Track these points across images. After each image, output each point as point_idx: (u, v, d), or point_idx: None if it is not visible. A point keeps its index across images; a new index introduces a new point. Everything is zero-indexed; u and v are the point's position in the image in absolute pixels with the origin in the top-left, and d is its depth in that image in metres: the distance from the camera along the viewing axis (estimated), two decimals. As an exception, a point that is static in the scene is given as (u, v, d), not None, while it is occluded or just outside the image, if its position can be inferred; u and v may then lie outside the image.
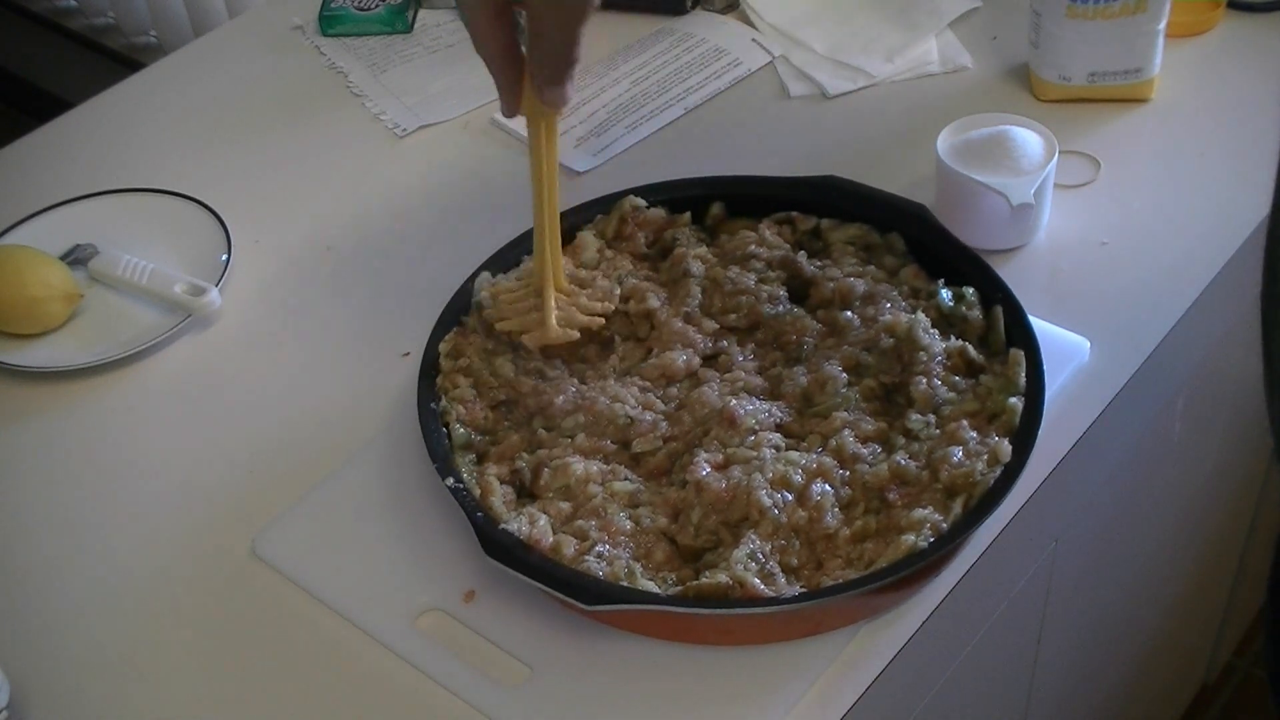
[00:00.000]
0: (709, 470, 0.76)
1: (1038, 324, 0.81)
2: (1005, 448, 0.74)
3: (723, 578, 0.70)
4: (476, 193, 1.06)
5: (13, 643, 0.78)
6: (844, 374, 0.81)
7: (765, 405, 0.80)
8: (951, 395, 0.79)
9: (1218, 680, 1.72)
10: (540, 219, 0.83)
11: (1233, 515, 1.40)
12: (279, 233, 1.04)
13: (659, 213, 0.92)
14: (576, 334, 0.83)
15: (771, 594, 0.70)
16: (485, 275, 0.88)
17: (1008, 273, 0.84)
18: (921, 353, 0.80)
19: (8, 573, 0.82)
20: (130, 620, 0.78)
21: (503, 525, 0.74)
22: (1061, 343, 0.85)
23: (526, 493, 0.78)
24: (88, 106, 1.20)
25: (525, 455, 0.79)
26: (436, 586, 0.77)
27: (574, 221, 0.91)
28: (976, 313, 0.83)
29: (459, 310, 0.86)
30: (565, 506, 0.76)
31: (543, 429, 0.80)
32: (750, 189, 0.93)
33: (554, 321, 0.83)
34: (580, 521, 0.75)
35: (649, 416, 0.80)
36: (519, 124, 1.10)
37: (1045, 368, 0.78)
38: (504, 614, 0.75)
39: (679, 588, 0.72)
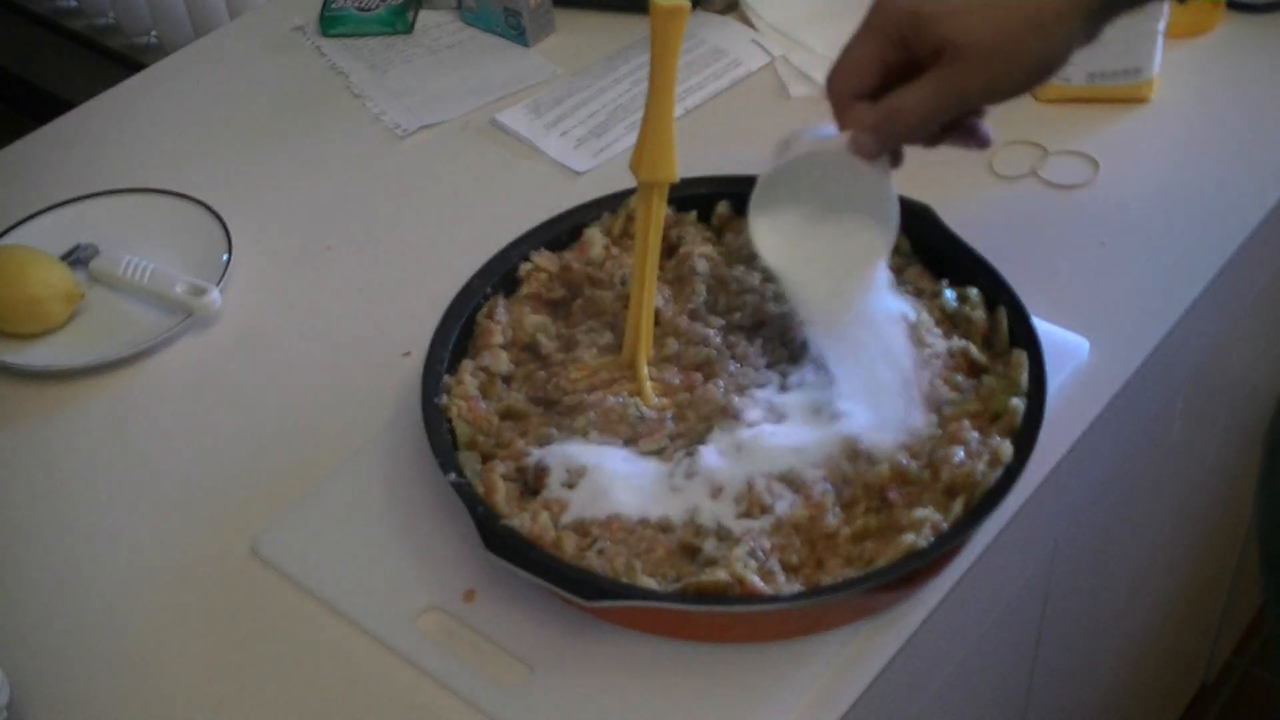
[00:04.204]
0: (711, 468, 0.76)
1: (1038, 324, 0.81)
2: (1006, 448, 0.74)
3: (722, 575, 0.70)
4: (476, 193, 1.06)
5: (13, 643, 0.78)
6: (847, 373, 0.81)
7: (769, 404, 0.80)
8: (954, 395, 0.79)
9: (1217, 680, 1.72)
10: (639, 290, 0.82)
11: (1232, 514, 1.40)
12: (279, 233, 1.04)
13: (665, 211, 0.92)
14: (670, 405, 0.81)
15: (771, 592, 0.70)
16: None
17: (1006, 273, 0.84)
18: (924, 352, 0.80)
19: (7, 573, 0.82)
20: (130, 620, 0.78)
21: (504, 521, 0.74)
22: (1061, 343, 0.85)
23: (531, 490, 0.78)
24: (88, 106, 1.20)
25: (533, 450, 0.79)
26: (437, 586, 0.77)
27: (580, 219, 0.91)
28: (980, 313, 0.83)
29: (460, 310, 0.86)
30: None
31: (553, 428, 0.81)
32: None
33: (650, 390, 0.82)
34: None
35: (656, 415, 0.80)
36: (519, 124, 1.11)
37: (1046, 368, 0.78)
38: (504, 613, 0.75)
39: (679, 584, 0.72)
